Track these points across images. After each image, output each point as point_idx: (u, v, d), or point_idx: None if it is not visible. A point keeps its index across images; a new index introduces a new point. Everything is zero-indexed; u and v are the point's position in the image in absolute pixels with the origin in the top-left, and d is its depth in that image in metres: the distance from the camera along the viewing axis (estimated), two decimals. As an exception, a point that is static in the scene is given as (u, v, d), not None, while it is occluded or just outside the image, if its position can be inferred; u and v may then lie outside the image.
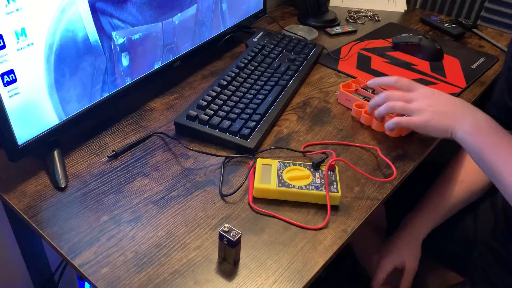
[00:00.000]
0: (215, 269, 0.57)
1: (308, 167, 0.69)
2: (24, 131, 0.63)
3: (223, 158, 0.73)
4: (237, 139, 0.74)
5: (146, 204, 0.65)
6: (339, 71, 1.00)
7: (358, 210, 0.66)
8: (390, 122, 0.75)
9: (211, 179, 0.69)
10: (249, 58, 0.94)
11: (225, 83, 0.84)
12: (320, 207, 0.66)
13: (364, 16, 1.28)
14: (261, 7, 1.11)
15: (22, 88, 0.61)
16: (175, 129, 0.78)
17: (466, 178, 0.90)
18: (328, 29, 1.17)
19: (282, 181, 0.66)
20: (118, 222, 0.62)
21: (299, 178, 0.67)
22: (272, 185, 0.65)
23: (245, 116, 0.77)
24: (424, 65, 1.04)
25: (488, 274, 0.85)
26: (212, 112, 0.77)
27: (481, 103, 1.11)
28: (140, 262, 0.57)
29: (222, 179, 0.69)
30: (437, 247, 0.94)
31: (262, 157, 0.72)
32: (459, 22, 1.24)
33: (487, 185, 0.89)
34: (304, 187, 0.65)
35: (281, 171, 0.68)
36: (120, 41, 0.74)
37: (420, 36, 1.06)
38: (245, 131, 0.74)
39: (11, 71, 0.58)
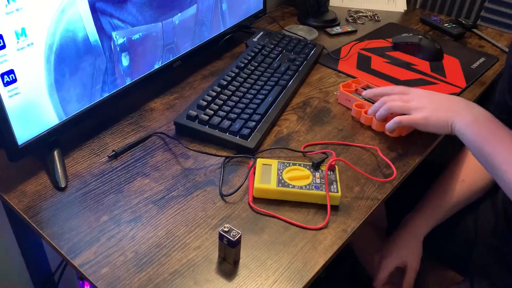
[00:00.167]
0: (215, 269, 0.57)
1: (308, 167, 0.69)
2: (24, 131, 0.63)
3: (223, 158, 0.73)
4: (237, 139, 0.74)
5: (146, 204, 0.65)
6: (339, 71, 1.00)
7: (358, 210, 0.66)
8: (391, 122, 0.76)
9: (211, 179, 0.69)
10: (249, 58, 0.94)
11: (225, 83, 0.84)
12: (320, 207, 0.66)
13: (364, 16, 1.28)
14: (261, 7, 1.11)
15: (22, 88, 0.61)
16: (175, 129, 0.78)
17: (467, 178, 0.90)
18: (328, 29, 1.17)
19: (282, 181, 0.66)
20: (118, 222, 0.62)
21: (299, 178, 0.67)
22: (272, 185, 0.65)
23: (245, 116, 0.77)
24: (424, 65, 1.04)
25: (488, 274, 0.85)
26: (212, 112, 0.77)
27: (481, 103, 1.11)
28: (140, 262, 0.57)
29: (222, 179, 0.69)
30: (437, 247, 0.94)
31: (262, 157, 0.72)
32: (459, 22, 1.24)
33: (488, 184, 0.89)
34: (304, 187, 0.65)
35: (281, 171, 0.68)
36: (120, 41, 0.74)
37: (420, 36, 1.06)
38: (245, 131, 0.74)
39: (11, 71, 0.58)
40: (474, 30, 1.23)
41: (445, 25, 1.22)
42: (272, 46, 1.00)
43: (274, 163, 0.69)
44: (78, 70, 0.68)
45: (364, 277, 1.02)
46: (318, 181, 0.67)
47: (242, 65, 0.91)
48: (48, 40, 0.62)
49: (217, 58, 1.02)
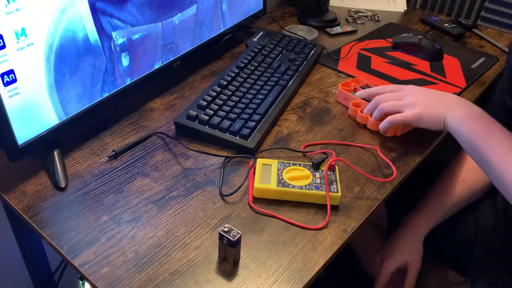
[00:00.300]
0: (215, 269, 0.57)
1: (308, 167, 0.69)
2: (24, 131, 0.63)
3: (223, 158, 0.73)
4: (237, 139, 0.74)
5: (146, 204, 0.65)
6: (339, 71, 1.00)
7: (358, 210, 0.66)
8: (384, 122, 0.76)
9: (211, 179, 0.69)
10: (249, 58, 0.94)
11: (225, 83, 0.84)
12: (320, 207, 0.66)
13: (364, 16, 1.28)
14: (261, 7, 1.11)
15: (22, 88, 0.61)
16: (175, 129, 0.78)
17: (467, 178, 0.90)
18: (328, 29, 1.17)
19: (282, 181, 0.66)
20: (118, 222, 0.62)
21: (299, 178, 0.67)
22: (272, 185, 0.65)
23: (245, 116, 0.77)
24: (424, 65, 1.04)
25: (488, 274, 0.85)
26: (212, 112, 0.77)
27: (481, 103, 1.11)
28: (140, 262, 0.57)
29: (222, 179, 0.69)
30: (437, 247, 0.94)
31: (262, 157, 0.72)
32: (459, 22, 1.24)
33: (488, 184, 0.89)
34: (304, 187, 0.65)
35: (281, 171, 0.68)
36: (120, 41, 0.74)
37: (420, 36, 1.06)
38: (245, 131, 0.74)
39: (11, 71, 0.58)
40: (474, 30, 1.23)
41: (445, 25, 1.22)
42: (272, 46, 1.00)
43: (274, 163, 0.69)
44: (78, 70, 0.68)
45: (364, 277, 1.02)
46: (318, 181, 0.67)
47: (242, 65, 0.91)
48: (48, 40, 0.62)
49: (217, 58, 1.02)
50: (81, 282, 1.05)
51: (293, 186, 0.65)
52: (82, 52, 0.68)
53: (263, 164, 0.69)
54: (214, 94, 0.81)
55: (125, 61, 0.77)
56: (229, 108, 0.79)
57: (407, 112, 0.74)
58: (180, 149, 0.75)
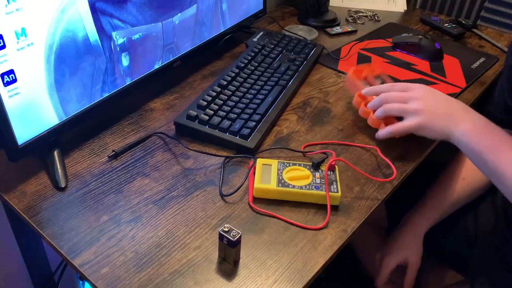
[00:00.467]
0: (215, 269, 0.57)
1: (308, 167, 0.69)
2: (24, 131, 0.63)
3: (223, 158, 0.73)
4: (237, 139, 0.74)
5: (146, 204, 0.65)
6: (339, 71, 1.00)
7: (358, 210, 0.66)
8: (384, 131, 0.75)
9: (211, 179, 0.69)
10: (249, 58, 0.94)
11: (225, 83, 0.84)
12: (320, 207, 0.66)
13: (364, 16, 1.28)
14: (261, 7, 1.11)
15: (22, 88, 0.61)
16: (175, 129, 0.78)
17: (467, 176, 0.90)
18: (328, 29, 1.17)
19: (282, 181, 0.66)
20: (118, 222, 0.62)
21: (299, 178, 0.67)
22: (272, 185, 0.65)
23: (245, 116, 0.77)
24: (424, 65, 1.04)
25: (488, 273, 0.85)
26: (212, 112, 0.77)
27: (481, 103, 1.11)
28: (140, 262, 0.57)
29: (222, 179, 0.69)
30: (437, 246, 0.94)
31: (262, 157, 0.72)
32: (459, 22, 1.24)
33: (488, 183, 0.89)
34: (304, 187, 0.65)
35: (281, 171, 0.68)
36: (120, 41, 0.74)
37: (420, 36, 1.06)
38: (245, 131, 0.74)
39: (11, 71, 0.58)
40: (474, 30, 1.23)
41: (445, 25, 1.22)
42: (272, 46, 1.00)
43: (274, 163, 0.69)
44: (78, 70, 0.68)
45: (364, 277, 1.02)
46: (318, 181, 0.67)
47: (242, 65, 0.91)
48: (48, 40, 0.62)
49: (217, 58, 1.02)
50: (80, 282, 1.05)
51: (293, 186, 0.65)
52: (82, 52, 0.68)
53: (263, 164, 0.69)
54: (214, 94, 0.81)
55: (125, 61, 0.77)
56: (229, 108, 0.79)
57: (409, 122, 0.72)
58: (180, 149, 0.75)
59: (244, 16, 1.06)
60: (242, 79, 0.87)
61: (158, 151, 0.74)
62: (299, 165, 0.69)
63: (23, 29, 0.58)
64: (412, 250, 0.89)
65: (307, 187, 0.66)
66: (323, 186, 0.66)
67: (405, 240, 0.90)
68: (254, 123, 0.76)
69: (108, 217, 0.62)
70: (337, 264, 0.83)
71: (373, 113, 0.78)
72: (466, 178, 0.90)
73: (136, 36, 0.77)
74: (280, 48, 1.00)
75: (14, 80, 0.59)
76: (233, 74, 0.87)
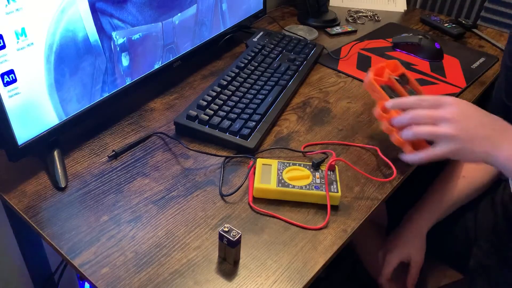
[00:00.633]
0: (215, 269, 0.57)
1: (308, 167, 0.69)
2: (24, 131, 0.63)
3: (223, 158, 0.73)
4: (237, 139, 0.74)
5: (146, 204, 0.65)
6: (339, 71, 1.00)
7: (358, 210, 0.66)
8: (415, 158, 0.69)
9: (211, 179, 0.69)
10: (249, 58, 0.94)
11: (225, 83, 0.84)
12: (320, 207, 0.66)
13: (364, 16, 1.28)
14: (261, 7, 1.11)
15: (22, 88, 0.61)
16: (175, 129, 0.78)
17: (468, 174, 0.90)
18: (328, 29, 1.17)
19: (282, 181, 0.66)
20: (118, 222, 0.62)
21: (299, 178, 0.67)
22: (272, 185, 0.65)
23: (245, 116, 0.77)
24: (424, 65, 1.04)
25: (488, 272, 0.85)
26: (212, 112, 0.77)
27: (481, 103, 1.11)
28: (140, 262, 0.57)
29: (222, 179, 0.69)
30: (437, 245, 0.94)
31: (262, 157, 0.72)
32: (459, 22, 1.24)
33: (488, 181, 0.90)
34: (304, 187, 0.65)
35: (281, 171, 0.68)
36: (120, 41, 0.74)
37: (420, 36, 1.06)
38: (245, 131, 0.74)
39: (11, 71, 0.58)
40: (474, 30, 1.23)
41: (445, 25, 1.22)
42: (272, 46, 1.00)
43: (274, 163, 0.69)
44: (78, 70, 0.68)
45: (364, 277, 1.02)
46: (318, 181, 0.67)
47: (242, 65, 0.91)
48: (48, 40, 0.62)
49: (217, 58, 1.02)
50: (80, 282, 1.05)
51: (293, 186, 0.65)
52: (82, 52, 0.68)
53: (263, 164, 0.69)
54: (214, 94, 0.81)
55: (125, 61, 0.77)
56: (229, 108, 0.79)
57: (442, 149, 0.64)
58: (180, 149, 0.75)
59: (244, 16, 1.06)
60: (242, 79, 0.87)
61: (158, 151, 0.74)
62: (299, 165, 0.69)
63: (23, 29, 0.58)
64: (416, 247, 0.89)
65: (307, 187, 0.66)
66: (323, 186, 0.66)
67: (408, 237, 0.90)
68: (254, 123, 0.76)
69: (108, 217, 0.62)
70: (337, 264, 0.83)
71: (398, 130, 0.70)
72: (467, 176, 0.90)
73: (136, 36, 0.77)
74: (280, 48, 1.00)
75: (14, 80, 0.59)
76: (233, 74, 0.87)
